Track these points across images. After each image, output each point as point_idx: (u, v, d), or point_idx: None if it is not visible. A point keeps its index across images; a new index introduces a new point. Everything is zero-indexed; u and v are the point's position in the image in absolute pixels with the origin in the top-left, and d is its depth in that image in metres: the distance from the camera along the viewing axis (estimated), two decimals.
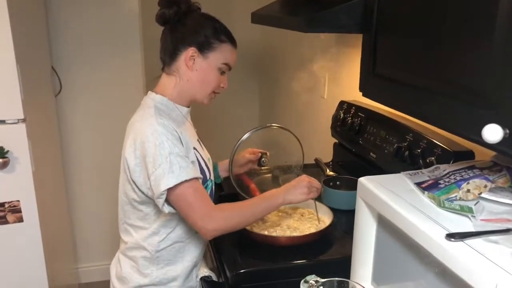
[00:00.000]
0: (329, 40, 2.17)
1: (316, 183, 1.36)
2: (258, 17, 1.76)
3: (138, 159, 1.24)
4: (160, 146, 1.20)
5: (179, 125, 1.31)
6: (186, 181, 1.20)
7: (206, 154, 1.43)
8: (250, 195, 1.52)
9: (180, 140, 1.26)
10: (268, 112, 3.21)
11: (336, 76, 2.13)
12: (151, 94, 1.34)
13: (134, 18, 2.59)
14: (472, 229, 0.77)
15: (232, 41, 1.34)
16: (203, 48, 1.30)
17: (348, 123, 1.78)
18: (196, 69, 1.31)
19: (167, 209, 1.24)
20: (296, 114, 2.66)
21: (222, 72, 1.34)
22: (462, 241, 0.73)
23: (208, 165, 1.39)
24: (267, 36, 3.00)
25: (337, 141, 1.98)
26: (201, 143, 1.44)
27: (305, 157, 1.61)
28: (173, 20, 1.32)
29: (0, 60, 1.75)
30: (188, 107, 1.38)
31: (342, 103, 1.90)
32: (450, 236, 0.74)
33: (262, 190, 1.44)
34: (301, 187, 1.33)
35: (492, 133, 0.71)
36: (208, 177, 1.36)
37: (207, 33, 1.30)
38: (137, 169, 1.25)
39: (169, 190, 1.20)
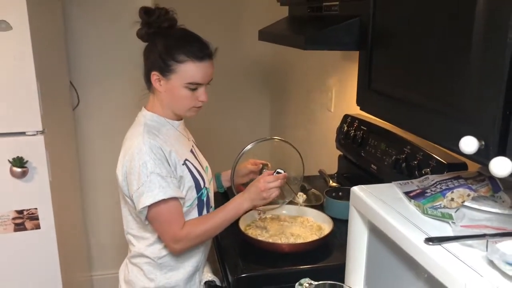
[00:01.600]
0: (335, 55, 2.24)
1: (272, 183, 1.35)
2: (265, 35, 1.84)
3: (124, 175, 1.32)
4: (143, 165, 1.27)
5: (169, 140, 1.36)
6: (163, 200, 1.27)
7: (202, 163, 1.49)
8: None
9: (166, 158, 1.31)
10: (278, 124, 3.28)
11: (342, 90, 2.19)
12: (143, 111, 1.41)
13: None
14: (452, 235, 0.82)
15: (195, 57, 1.30)
16: (164, 71, 1.32)
17: (352, 136, 1.84)
18: (164, 90, 1.35)
19: (148, 222, 1.34)
20: (304, 127, 2.72)
21: (194, 89, 1.34)
22: (439, 245, 0.79)
23: (203, 174, 1.44)
24: (277, 51, 3.08)
25: (341, 153, 2.03)
26: (196, 152, 1.49)
27: (311, 168, 1.67)
28: (146, 40, 1.37)
29: (21, 75, 1.85)
30: (180, 119, 1.45)
31: (346, 116, 1.96)
32: (429, 240, 0.80)
33: None
34: (259, 193, 1.35)
35: (469, 144, 0.77)
36: (202, 185, 1.42)
37: (165, 56, 1.30)
38: (123, 184, 1.33)
39: (148, 207, 1.28)
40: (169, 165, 1.32)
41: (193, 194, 1.38)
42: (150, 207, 1.28)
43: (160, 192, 1.27)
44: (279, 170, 1.40)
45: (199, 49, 1.32)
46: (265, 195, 1.35)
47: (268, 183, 1.35)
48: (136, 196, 1.28)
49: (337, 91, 2.26)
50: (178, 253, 1.37)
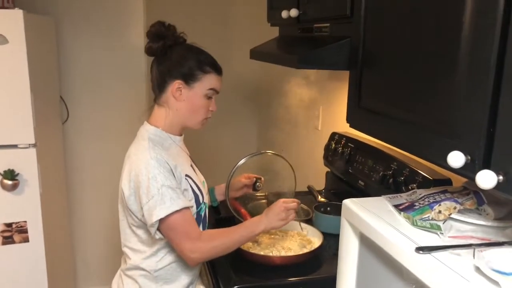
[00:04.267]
0: (323, 75, 2.30)
1: (291, 204, 1.39)
2: (256, 54, 1.89)
3: (132, 189, 1.33)
4: (152, 179, 1.29)
5: (172, 155, 1.39)
6: (176, 211, 1.29)
7: (200, 178, 1.51)
8: (242, 219, 1.61)
9: (172, 172, 1.34)
10: (265, 141, 3.33)
11: (330, 108, 2.25)
12: (146, 125, 1.43)
13: (139, 51, 2.75)
14: (440, 244, 0.87)
15: (216, 70, 1.42)
16: (188, 79, 1.38)
17: (339, 153, 1.89)
18: (184, 100, 1.39)
19: (158, 235, 1.34)
20: (292, 144, 2.78)
21: (209, 98, 1.42)
22: (429, 253, 0.83)
23: (201, 188, 1.47)
24: (265, 70, 3.15)
25: (329, 170, 2.08)
26: (194, 167, 1.52)
27: (299, 184, 1.72)
28: (160, 53, 1.40)
29: (16, 88, 1.88)
30: (181, 135, 1.48)
31: (333, 134, 2.01)
32: (419, 249, 0.84)
33: (255, 215, 1.53)
34: (278, 213, 1.37)
35: (456, 159, 0.82)
36: (201, 201, 1.45)
37: (192, 65, 1.38)
38: (131, 198, 1.34)
39: (160, 220, 1.29)
40: (175, 179, 1.34)
41: (193, 209, 1.41)
42: (164, 219, 1.29)
43: (172, 204, 1.29)
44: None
45: (218, 64, 1.44)
46: (284, 215, 1.37)
47: (287, 204, 1.38)
48: (147, 209, 1.29)
49: (324, 109, 2.32)
50: (194, 264, 1.36)
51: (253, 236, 1.38)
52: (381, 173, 1.57)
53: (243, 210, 1.67)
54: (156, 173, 1.29)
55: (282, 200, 1.40)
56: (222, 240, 1.36)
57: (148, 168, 1.30)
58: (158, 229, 1.33)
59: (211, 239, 1.35)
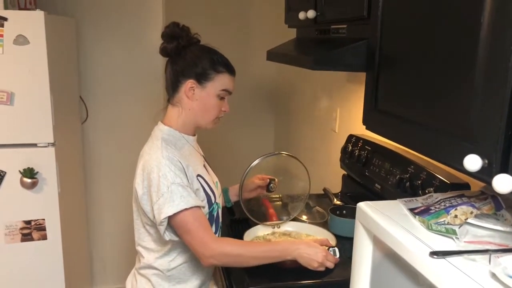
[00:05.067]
0: (340, 77, 2.29)
1: (329, 263, 1.34)
2: (273, 55, 1.89)
3: (145, 188, 1.34)
4: (163, 176, 1.29)
5: (185, 155, 1.39)
6: (186, 209, 1.29)
7: (213, 178, 1.51)
8: (264, 219, 1.60)
9: (184, 171, 1.34)
10: (282, 143, 3.32)
11: (347, 111, 2.24)
12: (160, 125, 1.44)
13: (156, 52, 2.75)
14: (455, 249, 0.85)
15: (229, 70, 1.43)
16: (201, 79, 1.39)
17: (356, 155, 1.88)
18: (197, 99, 1.40)
19: (167, 236, 1.33)
20: (309, 146, 2.76)
21: (222, 98, 1.43)
22: (444, 258, 0.82)
23: (214, 189, 1.47)
24: (282, 72, 3.14)
25: (345, 172, 2.07)
26: (207, 167, 1.53)
27: (315, 186, 1.70)
28: (174, 54, 1.42)
29: (36, 87, 1.91)
30: (194, 135, 1.49)
31: (350, 136, 1.99)
32: (434, 253, 0.83)
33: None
34: (316, 258, 1.32)
35: (472, 163, 0.80)
36: (213, 201, 1.45)
37: (205, 65, 1.39)
38: (144, 197, 1.35)
39: (170, 218, 1.29)
40: (187, 178, 1.34)
41: (205, 209, 1.41)
42: (173, 217, 1.29)
43: (182, 202, 1.28)
44: (336, 250, 1.39)
45: (231, 65, 1.44)
46: (315, 265, 1.32)
47: (327, 260, 1.34)
48: (157, 208, 1.30)
49: (342, 112, 2.30)
50: (208, 263, 1.34)
51: (278, 260, 1.34)
52: (398, 176, 1.54)
53: (271, 210, 1.66)
54: (166, 171, 1.30)
55: (326, 253, 1.34)
56: (241, 251, 1.34)
57: (160, 166, 1.31)
58: (168, 229, 1.33)
59: (229, 245, 1.33)
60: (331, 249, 1.37)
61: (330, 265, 1.33)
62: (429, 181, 1.40)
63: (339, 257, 1.36)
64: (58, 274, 2.09)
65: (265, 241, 1.43)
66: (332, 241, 1.54)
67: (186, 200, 1.30)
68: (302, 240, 1.39)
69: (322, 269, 1.33)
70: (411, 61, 1.06)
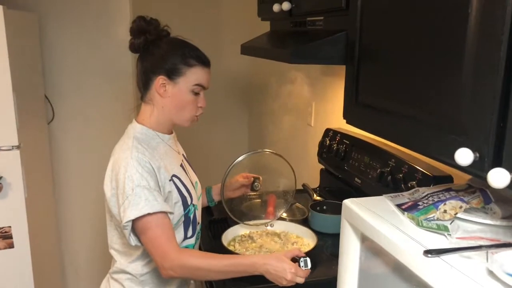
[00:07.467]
0: (315, 70, 2.26)
1: (300, 276, 1.22)
2: (248, 49, 1.83)
3: (113, 190, 1.28)
4: (128, 178, 1.23)
5: (159, 154, 1.33)
6: (149, 214, 1.22)
7: (192, 178, 1.46)
8: (246, 218, 1.56)
9: (155, 173, 1.28)
10: (257, 138, 3.28)
11: (322, 104, 2.21)
12: (133, 123, 1.38)
13: (125, 48, 2.66)
14: (448, 246, 0.83)
15: (202, 62, 1.35)
16: (172, 75, 1.32)
17: (334, 149, 1.85)
18: (169, 96, 1.33)
19: (133, 241, 1.27)
20: (284, 141, 2.73)
21: (196, 93, 1.35)
22: (438, 256, 0.79)
23: (191, 190, 1.41)
24: (255, 66, 3.10)
25: (323, 167, 2.04)
26: (186, 167, 1.46)
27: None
28: (143, 49, 1.35)
29: None
30: (171, 133, 1.42)
31: (328, 130, 1.97)
32: (428, 252, 0.80)
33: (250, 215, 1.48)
34: (284, 276, 1.21)
35: (464, 156, 0.77)
36: (189, 202, 1.39)
37: (174, 60, 1.32)
38: (112, 199, 1.28)
39: (134, 222, 1.23)
40: (158, 180, 1.28)
41: (180, 211, 1.35)
42: (136, 221, 1.23)
43: (146, 206, 1.22)
44: (308, 261, 1.26)
45: (204, 56, 1.37)
46: (283, 282, 1.21)
47: (298, 276, 1.22)
48: (122, 210, 1.24)
49: (317, 106, 2.27)
50: (167, 277, 1.26)
51: (243, 275, 1.26)
52: (379, 170, 1.52)
53: (270, 209, 1.61)
54: (133, 173, 1.24)
55: (296, 269, 1.22)
56: (203, 263, 1.25)
57: (127, 167, 1.25)
58: (133, 234, 1.26)
59: (192, 258, 1.25)
60: (302, 259, 1.26)
61: (300, 280, 1.23)
62: (411, 174, 1.38)
63: (310, 268, 1.25)
64: (27, 283, 1.99)
65: (233, 255, 1.35)
66: (312, 239, 1.50)
67: (151, 205, 1.23)
68: (271, 254, 1.30)
69: (290, 284, 1.22)
70: (395, 52, 1.02)
